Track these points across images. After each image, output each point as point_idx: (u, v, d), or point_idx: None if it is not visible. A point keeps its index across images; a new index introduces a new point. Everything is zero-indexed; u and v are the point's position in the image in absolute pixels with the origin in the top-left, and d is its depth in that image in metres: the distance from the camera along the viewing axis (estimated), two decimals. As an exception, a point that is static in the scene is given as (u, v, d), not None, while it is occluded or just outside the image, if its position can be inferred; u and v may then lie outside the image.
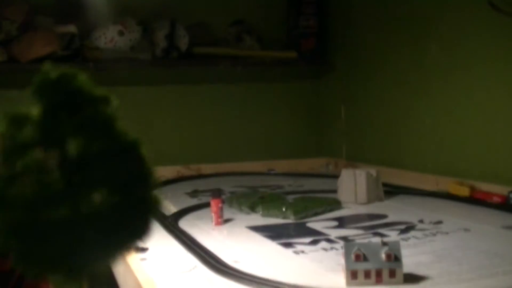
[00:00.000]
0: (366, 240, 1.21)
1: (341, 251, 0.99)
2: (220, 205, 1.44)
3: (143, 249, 1.17)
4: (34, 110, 0.28)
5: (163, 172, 2.31)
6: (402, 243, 1.13)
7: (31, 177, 0.27)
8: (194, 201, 1.74)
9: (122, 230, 0.30)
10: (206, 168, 2.42)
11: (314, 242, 1.22)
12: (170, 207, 1.66)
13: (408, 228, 1.33)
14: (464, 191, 1.67)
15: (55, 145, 0.27)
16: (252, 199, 1.61)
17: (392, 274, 0.91)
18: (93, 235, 0.29)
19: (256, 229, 1.38)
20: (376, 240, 1.15)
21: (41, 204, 0.27)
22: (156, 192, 0.31)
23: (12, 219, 0.27)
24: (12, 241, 0.28)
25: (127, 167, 0.31)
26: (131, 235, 0.31)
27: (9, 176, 0.27)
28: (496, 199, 1.56)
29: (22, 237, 0.28)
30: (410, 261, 1.03)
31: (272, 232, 1.34)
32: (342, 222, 1.44)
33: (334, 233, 1.31)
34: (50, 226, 0.28)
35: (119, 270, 1.19)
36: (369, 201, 1.65)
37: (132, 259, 1.09)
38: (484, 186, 1.68)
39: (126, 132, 0.29)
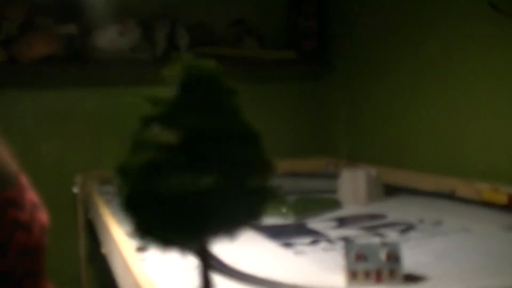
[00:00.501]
0: (366, 240, 1.21)
1: (341, 251, 0.99)
2: (220, 205, 1.43)
3: (143, 249, 1.17)
4: (170, 93, 0.29)
5: (163, 172, 2.31)
6: (402, 243, 1.13)
7: (152, 148, 0.29)
8: (194, 201, 1.74)
9: (237, 210, 0.32)
10: (206, 168, 2.42)
11: (314, 243, 1.22)
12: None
13: (408, 228, 1.33)
14: (502, 199, 1.54)
15: (181, 124, 0.29)
16: None
17: (392, 274, 0.91)
18: (213, 209, 0.30)
19: (256, 229, 1.38)
20: (376, 240, 1.14)
21: (162, 174, 0.29)
22: (272, 183, 0.33)
23: (134, 188, 0.30)
24: (135, 211, 0.30)
25: (246, 153, 0.33)
26: (246, 216, 0.33)
27: (134, 145, 0.29)
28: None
29: (143, 207, 0.30)
30: (410, 261, 1.03)
31: (272, 232, 1.34)
32: (342, 222, 1.44)
33: (334, 233, 1.31)
34: (173, 197, 0.30)
35: (119, 270, 1.19)
36: (369, 201, 1.65)
37: (132, 259, 1.08)
38: (484, 186, 1.68)
39: (249, 123, 0.30)
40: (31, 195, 0.76)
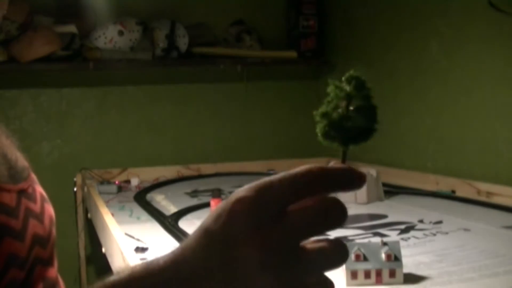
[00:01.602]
0: (366, 240, 1.21)
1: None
2: (220, 205, 1.44)
3: (143, 249, 1.17)
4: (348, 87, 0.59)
5: (163, 172, 2.31)
6: (402, 243, 1.13)
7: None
8: (194, 201, 1.74)
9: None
10: (206, 168, 2.42)
11: (314, 242, 1.22)
12: (170, 207, 1.66)
13: (408, 228, 1.33)
14: None
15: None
16: None
17: (392, 274, 0.91)
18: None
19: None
20: (376, 240, 1.14)
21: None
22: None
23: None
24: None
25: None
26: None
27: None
28: None
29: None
30: (410, 261, 1.03)
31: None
32: (342, 222, 1.44)
33: (334, 233, 1.30)
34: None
35: (119, 270, 1.19)
36: (369, 201, 1.65)
37: (132, 259, 1.08)
38: (485, 186, 1.68)
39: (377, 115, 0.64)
40: (40, 189, 0.79)
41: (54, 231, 0.78)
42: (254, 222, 0.41)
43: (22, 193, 0.74)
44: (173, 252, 0.45)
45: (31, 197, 0.75)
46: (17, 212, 0.70)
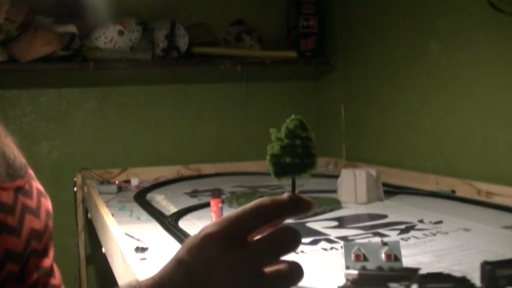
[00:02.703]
0: (366, 240, 1.21)
1: (341, 251, 0.99)
2: (220, 205, 1.44)
3: (143, 249, 1.17)
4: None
5: (163, 172, 2.31)
6: (402, 243, 1.13)
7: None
8: (194, 201, 1.74)
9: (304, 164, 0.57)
10: (206, 168, 2.42)
11: (314, 242, 1.22)
12: (170, 207, 1.66)
13: (408, 228, 1.33)
14: None
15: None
16: (252, 199, 1.60)
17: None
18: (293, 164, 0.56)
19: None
20: (376, 240, 1.14)
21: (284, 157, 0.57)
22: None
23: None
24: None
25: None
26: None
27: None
28: None
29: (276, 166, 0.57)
30: (410, 261, 1.03)
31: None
32: (342, 222, 1.44)
33: (334, 233, 1.31)
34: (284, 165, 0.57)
35: (119, 270, 1.19)
36: (369, 201, 1.65)
37: (132, 259, 1.08)
38: (485, 186, 1.68)
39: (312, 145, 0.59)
40: (37, 184, 0.82)
41: (50, 223, 0.80)
42: (222, 253, 0.48)
43: (19, 190, 0.76)
44: (153, 278, 0.52)
45: (28, 194, 0.78)
46: (14, 209, 0.73)
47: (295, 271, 0.50)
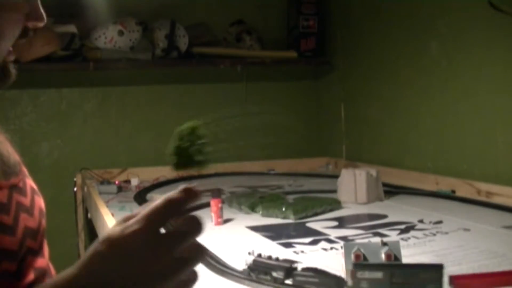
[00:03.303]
0: (366, 240, 1.21)
1: (341, 251, 0.99)
2: (220, 205, 1.44)
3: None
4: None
5: (163, 172, 2.31)
6: (402, 243, 1.13)
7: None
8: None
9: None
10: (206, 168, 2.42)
11: (314, 242, 1.22)
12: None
13: (408, 228, 1.33)
14: None
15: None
16: (252, 199, 1.61)
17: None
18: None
19: (256, 229, 1.38)
20: (376, 240, 1.14)
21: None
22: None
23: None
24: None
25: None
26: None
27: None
28: None
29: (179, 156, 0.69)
30: (410, 261, 1.03)
31: (272, 232, 1.34)
32: (342, 222, 1.44)
33: (334, 233, 1.31)
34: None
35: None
36: (369, 201, 1.65)
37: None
38: (485, 186, 1.68)
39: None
40: (30, 182, 0.82)
41: (44, 222, 0.81)
42: (146, 246, 0.58)
43: (14, 188, 0.76)
44: (72, 272, 0.59)
45: (22, 191, 0.78)
46: (9, 208, 0.73)
47: (193, 222, 0.61)
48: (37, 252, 0.77)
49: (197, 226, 0.61)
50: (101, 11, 2.35)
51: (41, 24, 0.74)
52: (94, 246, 0.59)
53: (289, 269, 0.92)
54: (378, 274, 0.81)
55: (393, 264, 0.84)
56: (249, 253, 0.97)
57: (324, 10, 2.58)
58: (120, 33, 2.29)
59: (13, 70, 0.79)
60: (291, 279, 0.91)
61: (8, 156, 0.79)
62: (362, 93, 2.40)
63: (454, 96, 1.86)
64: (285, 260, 0.94)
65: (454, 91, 1.86)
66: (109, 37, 2.28)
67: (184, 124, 0.73)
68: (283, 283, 0.91)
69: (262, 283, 0.93)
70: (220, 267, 1.02)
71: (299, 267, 0.93)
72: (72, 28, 2.25)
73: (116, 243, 0.58)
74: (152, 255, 0.57)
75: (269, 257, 0.95)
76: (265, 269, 0.94)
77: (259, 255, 0.95)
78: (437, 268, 0.79)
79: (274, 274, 0.92)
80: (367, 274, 0.82)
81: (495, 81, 1.70)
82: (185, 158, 0.71)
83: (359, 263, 0.85)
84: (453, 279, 0.75)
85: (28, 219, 0.76)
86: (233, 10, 2.59)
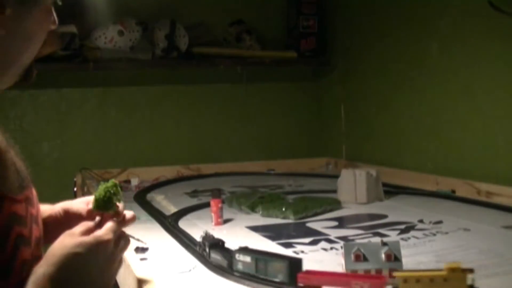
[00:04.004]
0: (366, 240, 1.21)
1: (341, 251, 0.99)
2: (220, 205, 1.44)
3: (143, 249, 1.17)
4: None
5: (163, 172, 2.31)
6: (402, 243, 1.13)
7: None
8: (194, 201, 1.74)
9: None
10: (206, 168, 2.42)
11: (314, 242, 1.22)
12: (170, 207, 1.66)
13: (408, 228, 1.33)
14: None
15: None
16: (252, 199, 1.61)
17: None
18: None
19: (256, 229, 1.38)
20: (376, 240, 1.14)
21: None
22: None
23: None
24: None
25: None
26: None
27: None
28: None
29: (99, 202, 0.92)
30: (410, 261, 1.03)
31: (272, 232, 1.34)
32: (342, 222, 1.44)
33: (334, 233, 1.31)
34: None
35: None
36: (369, 201, 1.65)
37: (132, 259, 1.08)
38: (485, 186, 1.68)
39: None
40: (34, 190, 0.87)
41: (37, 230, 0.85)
42: (115, 245, 0.84)
43: (27, 200, 0.79)
44: (54, 262, 0.74)
45: (31, 202, 0.81)
46: (26, 221, 0.77)
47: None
48: (40, 259, 0.78)
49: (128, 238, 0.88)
50: (101, 11, 2.35)
51: (54, 28, 0.80)
52: (68, 248, 0.75)
53: (211, 244, 1.06)
54: (248, 258, 0.94)
55: (259, 251, 0.95)
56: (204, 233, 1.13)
57: (324, 10, 2.58)
58: (120, 33, 2.29)
59: (35, 70, 0.91)
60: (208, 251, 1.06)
61: (22, 169, 0.83)
62: (362, 93, 2.40)
63: (454, 96, 1.86)
64: (218, 239, 1.09)
65: (454, 91, 1.86)
66: (109, 37, 2.28)
67: (108, 183, 0.94)
68: (204, 251, 1.08)
69: (261, 283, 0.93)
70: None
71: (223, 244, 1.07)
72: (72, 28, 2.25)
73: (93, 248, 0.78)
74: (115, 254, 0.83)
75: (208, 236, 1.10)
76: (203, 245, 1.09)
77: (206, 233, 1.11)
78: (286, 261, 0.88)
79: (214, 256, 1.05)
80: (241, 257, 0.95)
81: (495, 81, 1.70)
82: (103, 204, 0.90)
83: (241, 247, 0.98)
84: (299, 273, 0.85)
85: (37, 229, 0.81)
86: (233, 10, 2.59)
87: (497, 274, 0.96)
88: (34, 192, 0.85)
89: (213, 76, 2.58)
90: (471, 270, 0.80)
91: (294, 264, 0.88)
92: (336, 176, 1.79)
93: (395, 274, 0.82)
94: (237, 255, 0.96)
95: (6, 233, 0.72)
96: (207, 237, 1.09)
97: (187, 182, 2.20)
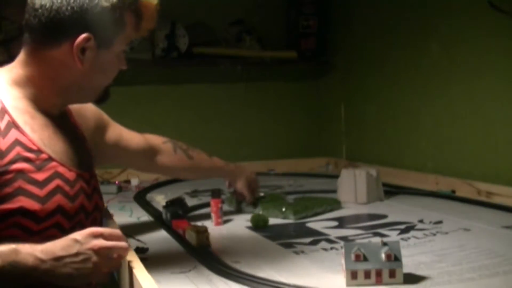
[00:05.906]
0: (366, 240, 1.21)
1: (341, 251, 0.99)
2: (220, 205, 1.44)
3: (143, 249, 1.17)
4: None
5: (163, 172, 2.31)
6: (402, 243, 1.13)
7: None
8: (194, 201, 1.74)
9: None
10: (206, 168, 2.42)
11: (314, 242, 1.22)
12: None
13: (408, 228, 1.33)
14: None
15: None
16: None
17: (392, 274, 0.91)
18: None
19: (256, 229, 1.38)
20: (376, 240, 1.14)
21: None
22: None
23: None
24: None
25: None
26: None
27: None
28: None
29: None
30: (410, 261, 1.03)
31: (272, 232, 1.34)
32: (342, 222, 1.44)
33: (334, 233, 1.31)
34: None
35: (118, 269, 1.19)
36: (369, 201, 1.65)
37: (132, 259, 1.08)
38: (484, 186, 1.68)
39: None
40: None
41: None
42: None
43: (79, 175, 1.02)
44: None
45: (85, 180, 1.04)
46: (71, 183, 0.99)
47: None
48: (80, 228, 0.96)
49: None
50: (101, 11, 2.35)
51: (124, 68, 1.17)
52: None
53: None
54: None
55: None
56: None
57: (324, 10, 2.58)
58: (120, 33, 2.28)
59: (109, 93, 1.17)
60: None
61: (85, 157, 1.10)
62: (362, 93, 2.40)
63: (454, 96, 1.86)
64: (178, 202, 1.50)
65: (454, 91, 1.86)
66: (109, 37, 2.28)
67: None
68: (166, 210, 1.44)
69: (258, 282, 0.93)
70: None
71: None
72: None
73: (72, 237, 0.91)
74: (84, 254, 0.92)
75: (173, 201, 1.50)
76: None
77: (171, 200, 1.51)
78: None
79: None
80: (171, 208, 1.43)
81: (495, 81, 1.70)
82: None
83: (169, 202, 1.50)
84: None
85: (87, 201, 1.02)
86: (233, 10, 2.59)
87: (497, 274, 0.97)
88: (94, 178, 1.07)
89: (213, 76, 2.58)
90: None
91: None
92: (336, 176, 1.79)
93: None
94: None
95: (47, 181, 0.92)
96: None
97: (187, 182, 2.20)
